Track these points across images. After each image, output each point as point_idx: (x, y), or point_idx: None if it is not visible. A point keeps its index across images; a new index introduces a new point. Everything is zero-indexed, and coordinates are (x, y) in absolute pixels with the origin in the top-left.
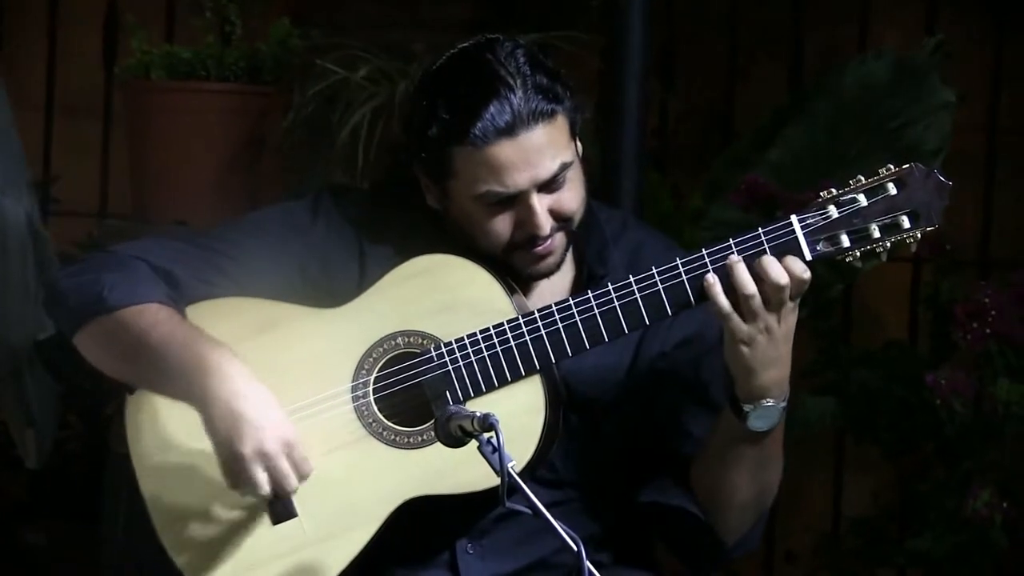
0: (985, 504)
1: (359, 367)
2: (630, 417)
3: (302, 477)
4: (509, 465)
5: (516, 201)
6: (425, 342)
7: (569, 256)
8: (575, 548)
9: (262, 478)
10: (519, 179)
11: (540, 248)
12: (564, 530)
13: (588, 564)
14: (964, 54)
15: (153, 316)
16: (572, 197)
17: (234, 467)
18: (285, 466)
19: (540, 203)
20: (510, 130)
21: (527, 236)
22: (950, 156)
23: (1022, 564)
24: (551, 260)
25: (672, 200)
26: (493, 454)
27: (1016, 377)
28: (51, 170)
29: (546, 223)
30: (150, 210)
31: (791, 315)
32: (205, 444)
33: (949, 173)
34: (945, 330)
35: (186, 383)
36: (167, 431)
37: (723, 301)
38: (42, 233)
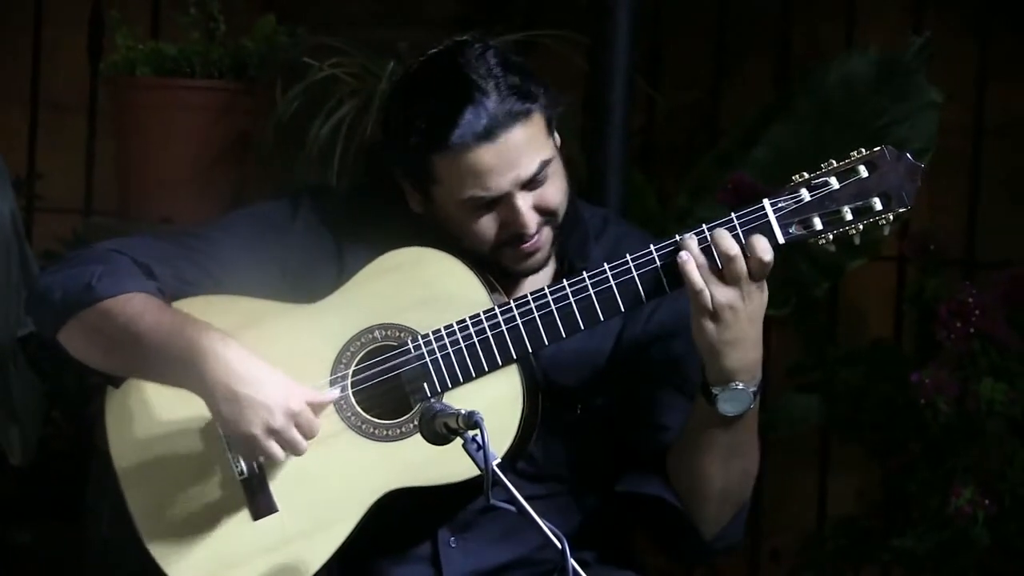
0: (967, 502)
1: (337, 361)
2: (610, 408)
3: (311, 437)
4: (494, 463)
5: (500, 202)
6: (402, 335)
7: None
8: (559, 545)
9: (277, 451)
10: (502, 181)
11: (527, 245)
12: (548, 527)
13: (572, 562)
14: (950, 53)
15: (142, 304)
16: (555, 191)
17: (247, 447)
18: (295, 436)
19: (524, 202)
20: (488, 134)
21: (514, 234)
22: (935, 155)
23: (1004, 561)
24: (539, 256)
25: (658, 199)
26: (478, 451)
27: (999, 376)
28: (36, 167)
29: (532, 221)
30: (135, 207)
31: (757, 295)
32: (183, 440)
33: (934, 172)
34: (929, 329)
35: (182, 369)
36: (145, 428)
37: (696, 277)
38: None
